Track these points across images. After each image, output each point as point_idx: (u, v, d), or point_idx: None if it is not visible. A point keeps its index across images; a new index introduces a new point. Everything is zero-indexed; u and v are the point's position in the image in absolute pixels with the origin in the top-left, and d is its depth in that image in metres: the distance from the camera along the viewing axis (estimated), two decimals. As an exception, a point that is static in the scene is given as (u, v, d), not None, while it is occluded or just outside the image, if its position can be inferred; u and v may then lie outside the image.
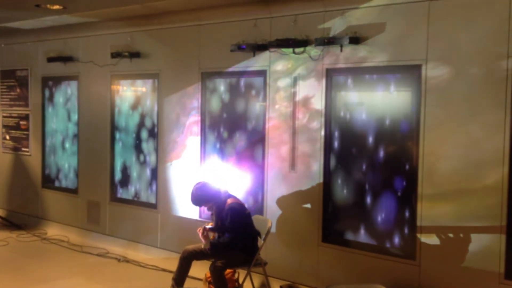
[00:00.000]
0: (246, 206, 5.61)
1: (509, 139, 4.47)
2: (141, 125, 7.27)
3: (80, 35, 7.83)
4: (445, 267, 4.82)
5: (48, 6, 6.46)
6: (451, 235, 4.78)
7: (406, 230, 5.06)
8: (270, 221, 5.52)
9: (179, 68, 6.80)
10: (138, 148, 7.33)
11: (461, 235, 4.72)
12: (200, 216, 6.54)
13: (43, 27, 8.00)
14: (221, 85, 6.40)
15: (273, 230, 5.80)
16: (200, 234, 5.30)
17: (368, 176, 5.29)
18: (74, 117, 8.11)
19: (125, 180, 7.50)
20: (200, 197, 5.37)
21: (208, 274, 5.44)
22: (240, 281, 5.58)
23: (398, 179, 5.11)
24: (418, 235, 4.95)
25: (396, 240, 5.13)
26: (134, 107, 7.35)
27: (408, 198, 5.04)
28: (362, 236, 5.35)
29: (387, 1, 5.09)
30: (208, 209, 5.53)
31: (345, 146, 5.45)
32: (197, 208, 6.27)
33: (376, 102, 5.24)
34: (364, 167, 5.32)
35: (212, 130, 6.52)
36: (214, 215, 5.51)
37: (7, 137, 9.23)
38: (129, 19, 7.08)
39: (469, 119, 4.66)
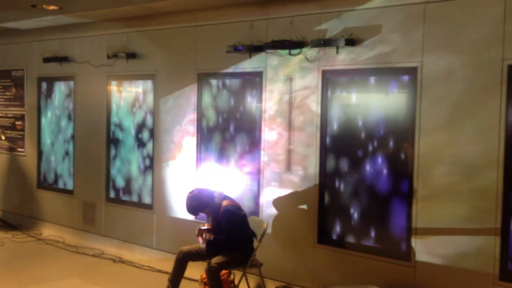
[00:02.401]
0: (242, 207, 5.61)
1: (504, 141, 4.49)
2: (137, 125, 7.27)
3: (76, 35, 7.82)
4: (440, 269, 4.83)
5: (44, 6, 6.45)
6: (446, 236, 4.80)
7: (401, 232, 5.07)
8: (266, 222, 5.53)
9: (175, 69, 6.81)
10: (134, 149, 7.32)
11: (456, 236, 4.74)
12: (195, 217, 6.53)
13: (39, 27, 7.99)
14: (217, 86, 6.41)
15: (269, 231, 5.80)
16: (198, 237, 5.33)
17: (364, 177, 5.30)
18: (70, 117, 8.10)
19: (121, 181, 7.49)
20: (196, 207, 5.36)
21: (204, 275, 5.45)
22: (236, 282, 5.59)
23: (394, 180, 5.12)
24: (413, 237, 4.96)
25: (392, 241, 5.14)
26: (130, 107, 7.34)
27: (403, 200, 5.05)
28: (358, 237, 5.36)
29: (383, 3, 5.11)
30: (205, 214, 5.54)
31: (341, 148, 5.46)
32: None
33: (371, 104, 5.25)
34: (359, 168, 5.33)
35: (208, 131, 6.52)
36: (210, 218, 5.52)
37: (3, 137, 9.21)
38: (125, 19, 7.07)
39: (464, 121, 4.68)
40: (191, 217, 6.56)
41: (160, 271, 6.55)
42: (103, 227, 7.70)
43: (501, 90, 4.49)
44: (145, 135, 7.17)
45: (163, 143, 6.94)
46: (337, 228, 5.52)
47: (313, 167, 5.61)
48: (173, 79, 6.83)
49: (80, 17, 7.20)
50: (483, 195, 4.59)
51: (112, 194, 7.59)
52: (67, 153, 8.19)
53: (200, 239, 5.34)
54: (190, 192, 5.43)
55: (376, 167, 5.22)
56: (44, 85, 8.48)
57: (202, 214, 5.77)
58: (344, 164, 5.44)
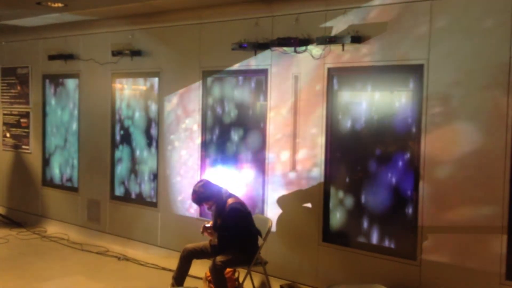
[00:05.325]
0: (247, 205, 5.60)
1: (511, 139, 4.46)
2: (142, 123, 7.26)
3: (81, 33, 7.82)
4: (445, 267, 4.81)
5: (49, 4, 6.46)
6: (451, 235, 4.77)
7: (406, 230, 5.04)
8: (270, 221, 5.52)
9: (180, 66, 6.80)
10: (139, 147, 7.32)
11: (462, 235, 4.71)
12: (200, 215, 6.54)
13: (44, 24, 8.00)
14: (222, 84, 6.39)
15: (273, 229, 5.79)
16: (206, 233, 5.33)
17: (369, 176, 5.28)
18: (75, 115, 8.10)
19: (125, 178, 7.49)
20: (202, 195, 5.35)
21: (208, 273, 5.44)
22: (240, 280, 5.57)
23: (399, 179, 5.10)
24: (419, 235, 4.94)
25: (397, 240, 5.12)
26: (134, 105, 7.34)
27: (409, 198, 5.03)
28: (363, 236, 5.34)
29: (389, 0, 5.08)
30: (208, 208, 5.52)
31: (346, 146, 5.44)
32: (197, 206, 6.25)
33: (377, 102, 5.23)
34: (365, 166, 5.31)
35: (213, 128, 6.51)
36: (213, 214, 5.50)
37: (8, 135, 9.22)
38: (130, 17, 7.07)
39: (470, 118, 4.65)
40: (195, 215, 6.57)
41: (164, 268, 6.54)
42: (107, 225, 7.70)
43: (508, 88, 4.46)
44: (150, 133, 7.17)
45: (168, 141, 6.93)
46: (342, 227, 5.50)
47: (318, 166, 5.59)
48: (178, 76, 6.82)
49: (85, 15, 7.20)
50: (489, 194, 4.56)
51: (116, 192, 7.59)
52: (72, 150, 8.19)
53: (210, 236, 5.35)
54: (199, 181, 5.46)
55: (381, 165, 5.20)
56: (49, 82, 8.49)
57: (207, 211, 5.77)
58: (349, 163, 5.42)
